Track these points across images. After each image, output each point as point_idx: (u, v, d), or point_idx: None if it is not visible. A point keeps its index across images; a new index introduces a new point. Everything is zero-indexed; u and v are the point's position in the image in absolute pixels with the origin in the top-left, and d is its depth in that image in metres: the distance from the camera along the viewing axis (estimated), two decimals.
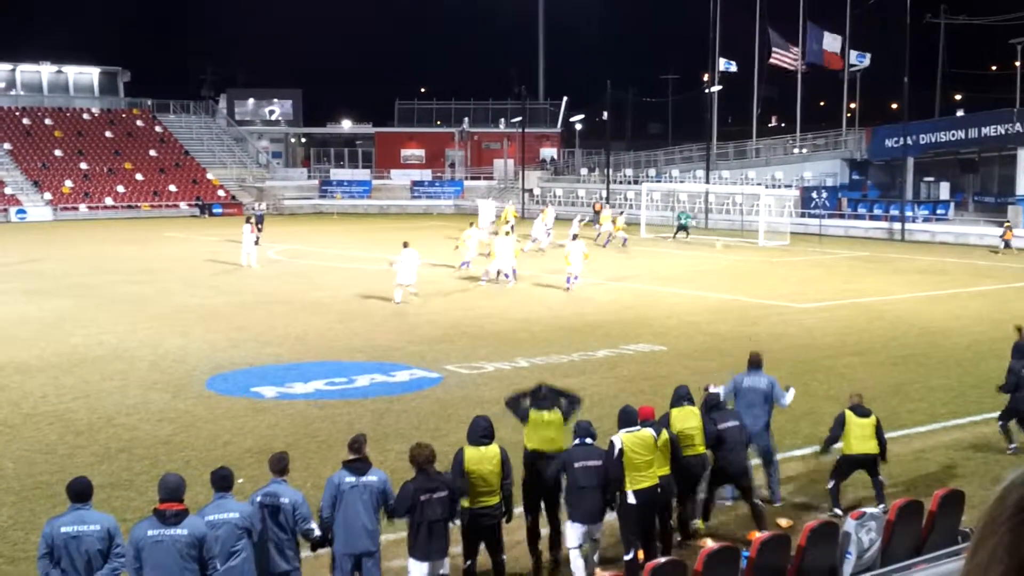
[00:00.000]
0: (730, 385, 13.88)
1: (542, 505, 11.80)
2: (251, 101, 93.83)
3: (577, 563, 11.04)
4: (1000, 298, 32.39)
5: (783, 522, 12.52)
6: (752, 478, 13.03)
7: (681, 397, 12.77)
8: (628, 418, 11.42)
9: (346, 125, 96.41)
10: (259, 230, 44.33)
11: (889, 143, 62.78)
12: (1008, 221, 49.83)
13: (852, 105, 72.84)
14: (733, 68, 71.57)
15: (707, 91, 70.71)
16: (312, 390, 19.71)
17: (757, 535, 10.39)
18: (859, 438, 13.22)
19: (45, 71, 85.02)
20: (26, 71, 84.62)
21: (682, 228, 53.81)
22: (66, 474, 11.80)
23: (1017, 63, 68.16)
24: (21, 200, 70.50)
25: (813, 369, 21.22)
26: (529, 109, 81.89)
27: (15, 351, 23.14)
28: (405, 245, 31.23)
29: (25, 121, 79.52)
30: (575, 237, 34.84)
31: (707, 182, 65.54)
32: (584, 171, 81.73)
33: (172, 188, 76.50)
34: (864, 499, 13.15)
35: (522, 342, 24.53)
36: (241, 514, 9.36)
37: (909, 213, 56.70)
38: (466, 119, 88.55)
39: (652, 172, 74.92)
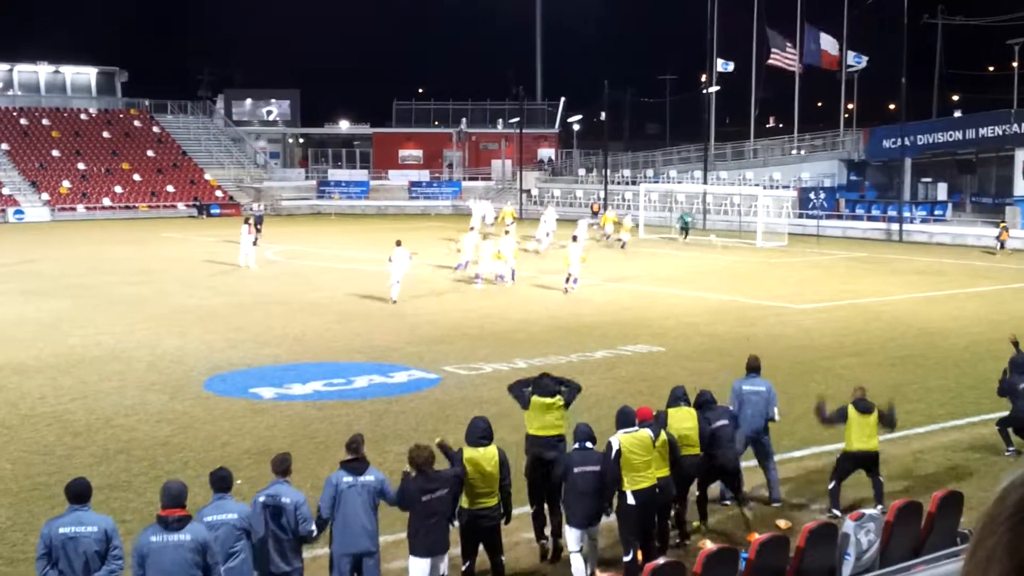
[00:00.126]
0: (732, 396, 13.91)
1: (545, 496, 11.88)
2: (249, 101, 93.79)
3: (578, 565, 11.06)
4: (998, 299, 32.41)
5: (782, 523, 12.52)
6: (742, 474, 13.11)
7: (678, 398, 12.81)
8: (626, 419, 11.43)
9: (344, 125, 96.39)
10: (258, 231, 44.33)
11: (887, 144, 62.81)
12: (1004, 222, 49.84)
13: (850, 106, 72.86)
14: (731, 69, 71.58)
15: (705, 92, 70.72)
16: (310, 391, 19.71)
17: (756, 536, 10.40)
18: (860, 435, 13.26)
19: (42, 71, 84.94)
20: (23, 71, 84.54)
21: (684, 229, 53.80)
22: (64, 475, 11.79)
23: (1014, 64, 68.26)
24: (19, 200, 70.45)
25: (811, 370, 21.23)
26: (527, 110, 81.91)
27: (13, 352, 23.13)
28: (398, 244, 31.54)
29: (22, 121, 79.47)
30: (575, 239, 34.85)
31: (705, 183, 65.56)
32: (582, 172, 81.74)
33: (170, 188, 76.46)
34: (863, 500, 13.15)
35: (520, 343, 24.54)
36: (240, 515, 9.36)
37: (907, 214, 56.73)
38: (464, 120, 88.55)
39: (650, 173, 74.92)
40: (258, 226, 45.23)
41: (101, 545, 8.83)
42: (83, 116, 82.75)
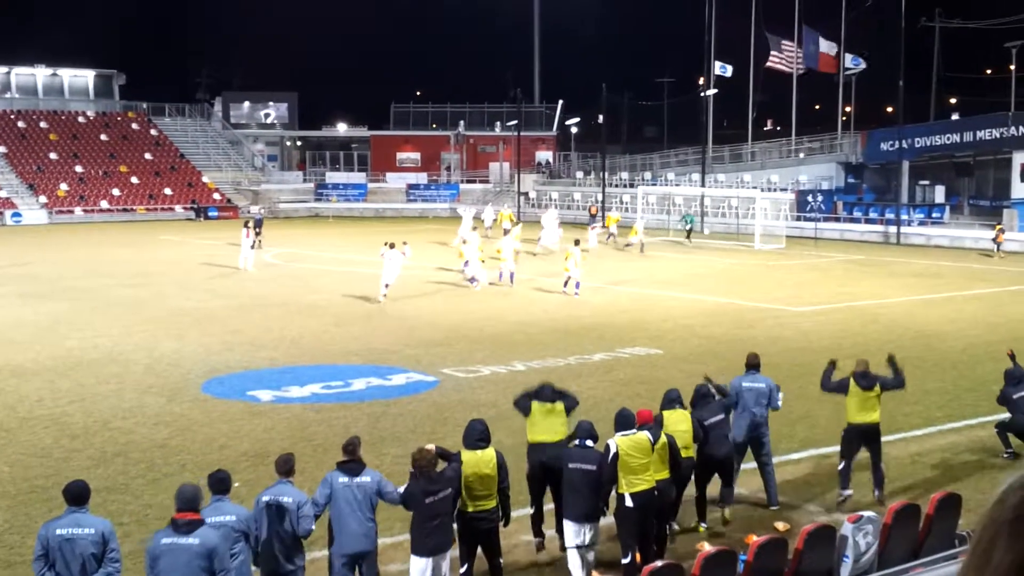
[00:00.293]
0: (731, 393, 13.92)
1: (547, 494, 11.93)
2: (246, 104, 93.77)
3: (575, 561, 11.08)
4: (995, 301, 32.44)
5: (780, 525, 12.52)
6: (735, 468, 13.15)
7: (672, 400, 12.85)
8: (625, 421, 11.43)
9: (341, 128, 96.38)
10: (257, 234, 44.41)
11: (884, 146, 62.87)
12: (999, 224, 49.88)
13: (848, 108, 72.92)
14: (728, 72, 71.61)
15: (702, 94, 70.76)
16: (308, 394, 19.69)
17: (754, 538, 10.40)
18: (861, 409, 13.46)
19: (40, 74, 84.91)
20: (21, 74, 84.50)
21: (687, 231, 53.75)
22: (62, 478, 11.78)
23: (1012, 67, 68.31)
24: (16, 203, 70.40)
25: (809, 372, 21.13)
26: (525, 112, 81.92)
27: (10, 354, 23.11)
28: (391, 246, 31.80)
29: (20, 124, 79.44)
30: (576, 242, 34.88)
31: (703, 185, 65.58)
32: (580, 174, 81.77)
33: (167, 191, 76.42)
34: (861, 503, 13.16)
35: (518, 345, 24.54)
36: (238, 517, 9.36)
37: (904, 216, 56.76)
38: (461, 122, 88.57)
39: (648, 175, 74.96)
40: (258, 229, 45.27)
41: (98, 547, 8.83)
42: (80, 119, 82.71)
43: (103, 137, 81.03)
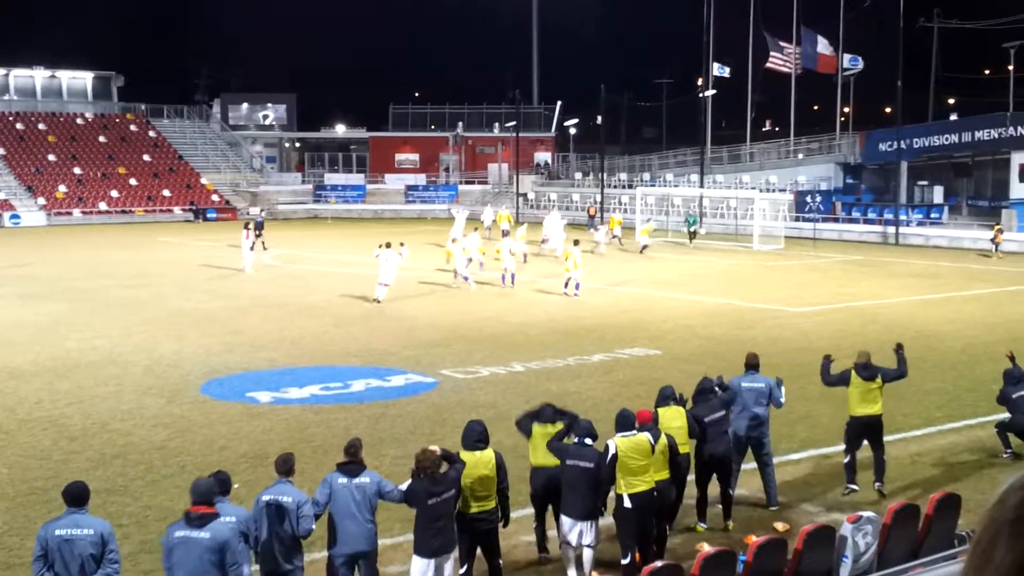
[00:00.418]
0: (732, 390, 13.94)
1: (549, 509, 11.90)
2: (245, 106, 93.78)
3: (568, 557, 11.12)
4: (994, 302, 32.45)
5: (780, 526, 12.52)
6: (733, 467, 13.15)
7: (666, 397, 12.89)
8: (625, 422, 11.43)
9: (340, 130, 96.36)
10: (258, 236, 44.58)
11: (883, 147, 62.90)
12: (998, 224, 49.91)
13: (846, 109, 72.95)
14: (727, 72, 71.64)
15: (701, 95, 70.77)
16: (307, 395, 19.69)
17: (754, 539, 10.40)
18: (863, 401, 13.51)
19: (39, 76, 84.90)
20: (19, 76, 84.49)
21: (691, 233, 53.67)
22: (61, 480, 11.77)
23: (1010, 67, 68.31)
24: (15, 205, 70.38)
25: (809, 373, 21.13)
26: (523, 113, 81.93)
27: (9, 356, 23.10)
28: (387, 246, 31.93)
29: (19, 126, 79.41)
30: (576, 243, 34.88)
31: (701, 186, 65.59)
32: (578, 175, 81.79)
33: (166, 193, 76.41)
34: (862, 503, 13.17)
35: (518, 346, 24.54)
36: (238, 518, 9.37)
37: (903, 217, 56.78)
38: (460, 123, 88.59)
39: (646, 176, 74.98)
40: (259, 232, 45.42)
41: (97, 548, 8.83)
42: (79, 120, 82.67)
43: (101, 139, 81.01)
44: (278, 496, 9.72)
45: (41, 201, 71.75)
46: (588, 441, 11.37)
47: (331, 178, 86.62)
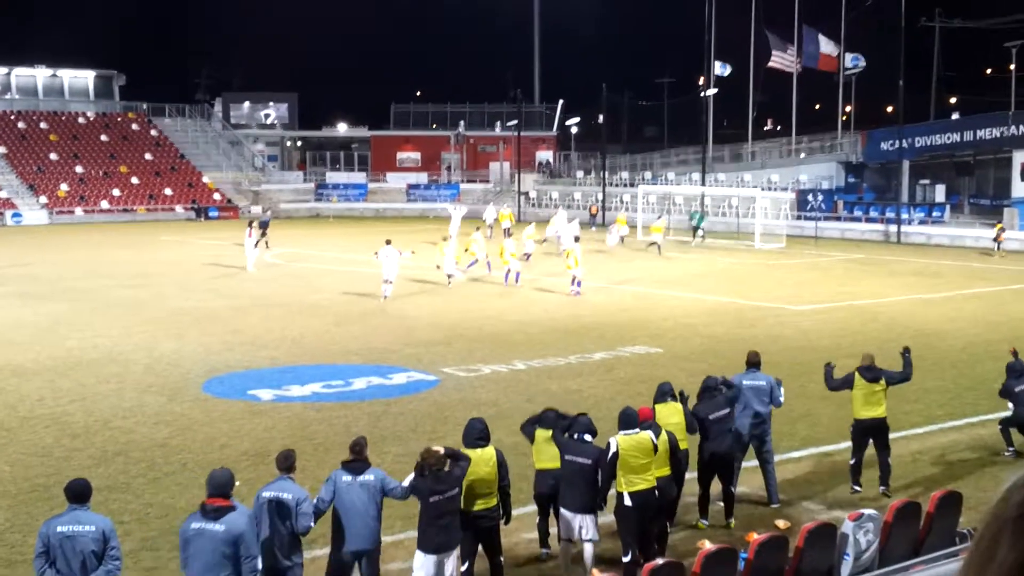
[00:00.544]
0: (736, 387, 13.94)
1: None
2: (246, 104, 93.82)
3: (567, 554, 11.17)
4: (995, 300, 32.44)
5: (781, 523, 12.51)
6: (736, 467, 13.15)
7: (664, 393, 12.91)
8: (628, 420, 11.42)
9: (342, 128, 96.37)
10: (263, 235, 44.73)
11: (885, 146, 62.88)
12: (1000, 223, 49.89)
13: (848, 108, 72.91)
14: (728, 72, 71.61)
15: (703, 94, 70.76)
16: (309, 393, 19.69)
17: (755, 536, 10.40)
18: (867, 403, 13.48)
19: (40, 75, 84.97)
20: (21, 75, 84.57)
21: (696, 229, 53.54)
22: (63, 477, 11.78)
23: (1012, 66, 68.30)
24: (16, 204, 70.44)
25: (810, 371, 21.18)
26: (525, 112, 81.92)
27: (11, 354, 23.11)
28: (388, 243, 32.11)
29: (20, 125, 79.48)
30: (577, 239, 34.88)
31: (703, 185, 65.57)
32: (580, 174, 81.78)
33: (168, 192, 76.47)
34: (863, 501, 13.17)
35: (519, 344, 24.54)
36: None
37: (904, 216, 56.76)
38: (462, 122, 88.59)
39: (648, 175, 74.97)
40: (264, 230, 45.59)
41: (99, 545, 8.83)
42: (81, 119, 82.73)
43: (103, 138, 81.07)
44: (279, 493, 9.72)
45: (43, 200, 71.80)
46: (587, 437, 11.40)
47: (333, 177, 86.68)
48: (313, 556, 10.86)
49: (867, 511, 10.36)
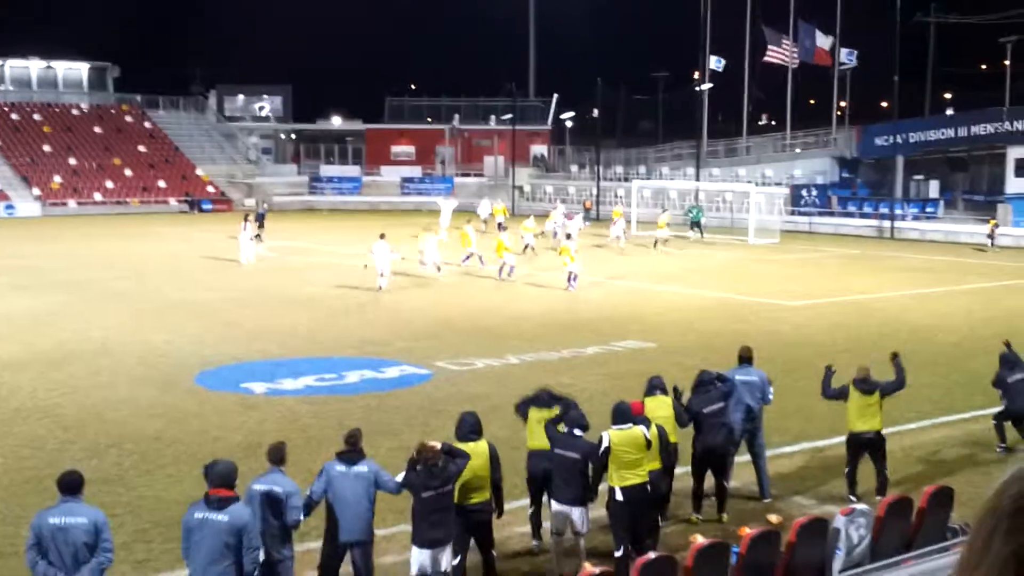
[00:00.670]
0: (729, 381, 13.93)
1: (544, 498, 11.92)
2: (241, 97, 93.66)
3: (558, 548, 11.23)
4: (988, 296, 32.49)
5: (773, 518, 12.53)
6: (729, 462, 13.16)
7: (654, 387, 12.90)
8: (621, 415, 11.41)
9: (336, 121, 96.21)
10: (260, 226, 44.80)
11: (879, 141, 62.92)
12: (993, 219, 49.94)
13: (843, 103, 72.93)
14: (723, 66, 71.55)
15: (697, 89, 70.74)
16: (302, 386, 19.68)
17: (747, 531, 10.41)
18: (861, 416, 13.45)
19: (34, 66, 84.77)
20: (15, 66, 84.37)
21: (695, 224, 53.43)
22: (55, 469, 11.75)
23: (1007, 62, 68.34)
24: (9, 195, 70.24)
25: (803, 366, 21.22)
26: (520, 106, 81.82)
27: (3, 347, 23.07)
28: (382, 236, 32.39)
29: (14, 116, 79.26)
30: (569, 236, 34.86)
31: (697, 179, 65.56)
32: (574, 168, 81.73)
33: (161, 184, 76.31)
34: (863, 494, 13.19)
35: (512, 338, 24.53)
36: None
37: (899, 211, 56.81)
38: (456, 116, 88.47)
39: (642, 169, 74.93)
40: (260, 224, 45.62)
41: (91, 537, 8.84)
42: (75, 111, 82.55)
43: (97, 129, 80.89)
44: (270, 485, 9.73)
45: (36, 192, 71.63)
46: (577, 432, 11.40)
47: (327, 170, 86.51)
48: (307, 548, 10.86)
49: (859, 506, 10.38)
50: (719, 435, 12.94)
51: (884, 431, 13.82)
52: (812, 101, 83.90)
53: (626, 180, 70.32)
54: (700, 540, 9.66)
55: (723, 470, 13.05)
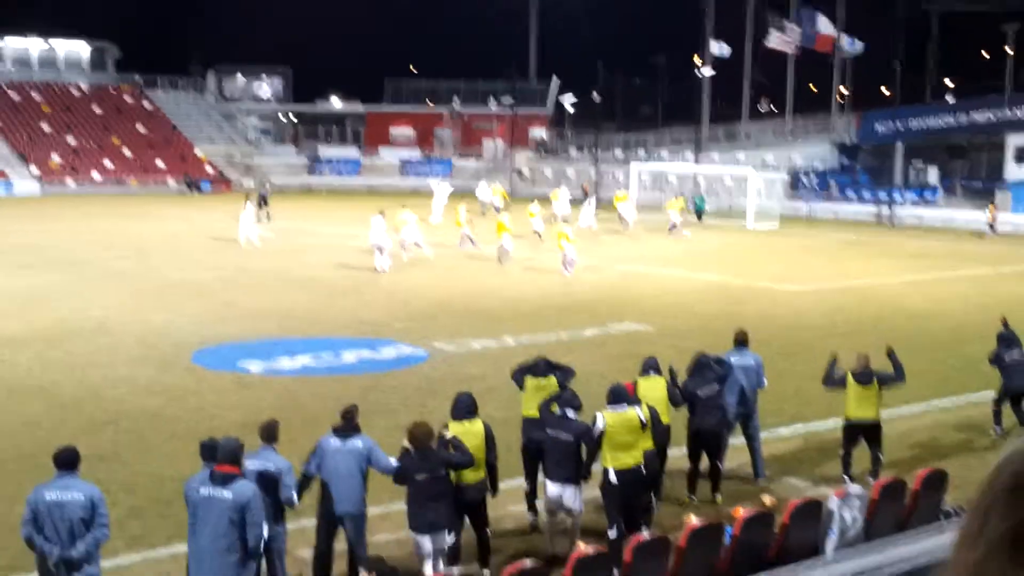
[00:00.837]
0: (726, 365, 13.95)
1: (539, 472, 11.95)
2: (240, 78, 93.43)
3: (552, 527, 11.32)
4: (986, 282, 32.51)
5: (767, 500, 12.52)
6: (723, 443, 13.18)
7: (648, 367, 12.92)
8: (616, 397, 11.42)
9: (335, 103, 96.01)
10: (261, 207, 44.81)
11: (879, 128, 62.88)
12: (993, 204, 49.91)
13: (843, 90, 72.79)
14: (726, 51, 71.42)
15: (699, 74, 70.60)
16: (299, 366, 19.70)
17: (741, 512, 10.43)
18: (858, 405, 13.49)
19: (34, 45, 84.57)
20: (15, 46, 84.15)
21: (699, 213, 53.32)
22: (52, 447, 11.70)
23: (1008, 49, 68.21)
24: (8, 174, 70.19)
25: (801, 350, 21.27)
26: (519, 89, 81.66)
27: (2, 324, 23.08)
28: (381, 213, 32.82)
29: (13, 95, 79.10)
30: (565, 220, 34.79)
31: (696, 163, 65.45)
32: (574, 151, 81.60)
33: (160, 164, 76.21)
34: (857, 475, 13.23)
35: (509, 320, 24.55)
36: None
37: (898, 197, 56.80)
38: (456, 98, 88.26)
39: (642, 153, 74.82)
40: (262, 205, 45.61)
41: (87, 512, 8.86)
42: (74, 91, 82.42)
43: (96, 109, 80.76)
44: (263, 463, 9.76)
45: (35, 170, 71.54)
46: (570, 413, 11.42)
47: (326, 151, 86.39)
48: (300, 526, 10.89)
49: (853, 488, 10.41)
50: (713, 417, 12.97)
51: (880, 420, 13.83)
52: (813, 87, 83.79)
53: (625, 164, 70.18)
54: (694, 521, 9.68)
55: (717, 451, 13.08)
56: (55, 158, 73.20)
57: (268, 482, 9.62)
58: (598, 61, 68.51)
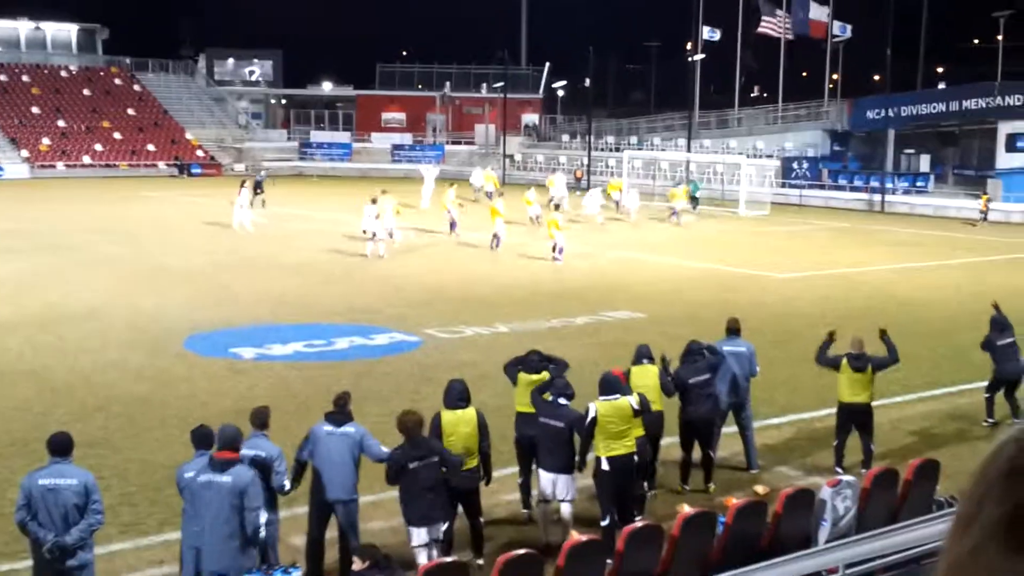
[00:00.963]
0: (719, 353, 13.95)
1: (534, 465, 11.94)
2: (231, 61, 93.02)
3: (545, 515, 11.30)
4: (977, 270, 32.58)
5: (760, 489, 12.60)
6: (716, 432, 13.19)
7: (641, 355, 12.90)
8: (608, 386, 11.42)
9: (326, 87, 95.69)
10: (257, 193, 44.63)
11: (871, 115, 62.88)
12: (985, 193, 50.00)
13: (835, 76, 72.75)
14: (717, 37, 71.34)
15: (690, 60, 70.52)
16: (291, 352, 19.68)
17: (734, 501, 10.46)
18: (851, 390, 13.53)
19: (23, 27, 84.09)
20: (3, 27, 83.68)
21: (693, 199, 53.18)
22: (42, 432, 11.73)
23: (1000, 36, 68.23)
24: None
25: (792, 338, 21.30)
26: (511, 74, 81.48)
27: None
28: (373, 201, 32.83)
29: (2, 78, 78.67)
30: (557, 207, 34.73)
31: (688, 151, 65.44)
32: (566, 137, 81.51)
33: (150, 148, 75.91)
34: (850, 466, 13.25)
35: (502, 307, 24.54)
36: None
37: (889, 185, 56.86)
38: (448, 83, 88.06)
39: (634, 140, 74.76)
40: (257, 190, 45.46)
41: (81, 498, 8.85)
42: (63, 73, 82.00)
43: (86, 92, 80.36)
44: (255, 450, 9.75)
45: (24, 154, 71.22)
46: (562, 401, 11.42)
47: (317, 136, 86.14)
48: (293, 514, 10.88)
49: (845, 477, 10.44)
50: (705, 406, 12.97)
51: (873, 403, 13.86)
52: (804, 74, 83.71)
53: (617, 150, 70.17)
54: (687, 509, 9.70)
55: (709, 440, 13.09)
56: (45, 141, 72.86)
57: (260, 469, 9.60)
58: (590, 47, 68.31)
